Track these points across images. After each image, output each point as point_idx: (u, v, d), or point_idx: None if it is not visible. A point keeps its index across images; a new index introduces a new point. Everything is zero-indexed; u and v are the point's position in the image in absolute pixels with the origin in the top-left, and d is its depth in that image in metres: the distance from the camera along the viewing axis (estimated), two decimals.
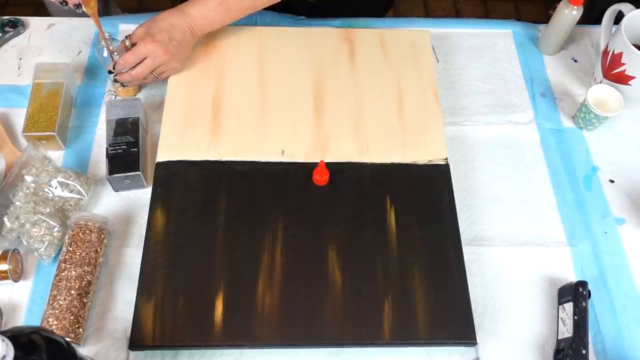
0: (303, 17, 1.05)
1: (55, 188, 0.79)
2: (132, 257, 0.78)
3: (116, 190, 0.83)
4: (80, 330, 0.71)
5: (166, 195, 0.79)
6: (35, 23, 1.02)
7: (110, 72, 0.86)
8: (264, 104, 0.88)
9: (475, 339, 0.71)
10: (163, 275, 0.73)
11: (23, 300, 0.75)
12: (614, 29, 0.94)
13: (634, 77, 0.89)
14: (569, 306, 0.74)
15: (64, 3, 0.79)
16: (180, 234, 0.76)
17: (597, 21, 0.99)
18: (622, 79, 0.90)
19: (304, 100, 0.88)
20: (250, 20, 0.95)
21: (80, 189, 0.80)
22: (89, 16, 0.82)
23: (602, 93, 0.91)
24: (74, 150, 0.87)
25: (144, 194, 0.83)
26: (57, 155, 0.87)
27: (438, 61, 1.01)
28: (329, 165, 0.80)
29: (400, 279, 0.74)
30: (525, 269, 0.80)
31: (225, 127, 0.85)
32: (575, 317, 0.72)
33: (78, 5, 0.79)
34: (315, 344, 0.71)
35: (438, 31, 1.04)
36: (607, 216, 0.85)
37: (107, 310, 0.75)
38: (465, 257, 0.76)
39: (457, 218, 0.79)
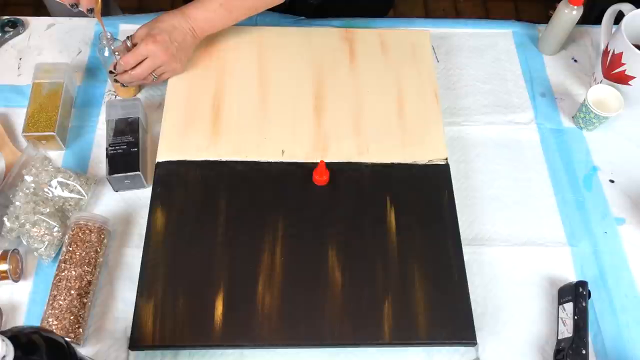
0: (303, 17, 1.05)
1: (55, 188, 0.79)
2: (132, 257, 0.78)
3: (116, 190, 0.83)
4: (80, 330, 0.71)
5: (166, 195, 0.79)
6: (35, 23, 1.02)
7: (111, 72, 0.86)
8: (264, 104, 0.88)
9: (475, 339, 0.71)
10: (163, 275, 0.73)
11: (23, 300, 0.75)
12: (614, 29, 0.94)
13: (634, 77, 0.89)
14: (569, 306, 0.74)
15: (75, 6, 0.78)
16: (180, 233, 0.76)
17: (597, 21, 0.99)
18: (622, 79, 0.90)
19: (304, 100, 0.88)
20: (251, 20, 0.96)
21: (80, 189, 0.80)
22: (88, 16, 0.82)
23: (602, 93, 0.91)
24: (74, 150, 0.87)
25: (144, 194, 0.83)
26: (57, 155, 0.87)
27: (438, 61, 1.01)
28: (329, 165, 0.80)
29: (400, 279, 0.74)
30: (525, 269, 0.80)
31: (225, 127, 0.85)
32: (575, 317, 0.72)
33: (90, 10, 0.78)
34: (315, 344, 0.71)
35: (438, 31, 1.04)
36: (607, 216, 0.85)
37: (107, 310, 0.75)
38: (465, 257, 0.76)
39: (457, 218, 0.79)
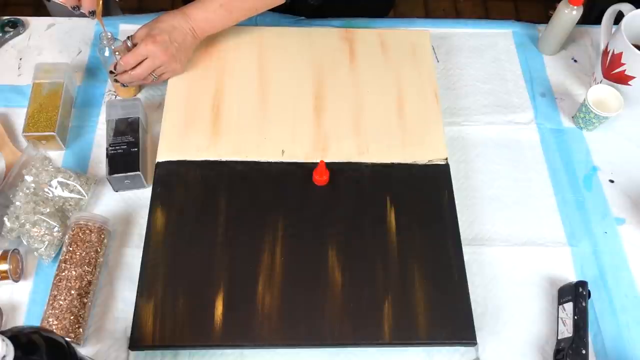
0: (303, 17, 1.05)
1: (55, 188, 0.79)
2: (132, 257, 0.78)
3: (116, 190, 0.83)
4: (80, 330, 0.71)
5: (166, 195, 0.79)
6: (35, 23, 1.02)
7: (111, 72, 0.86)
8: (264, 104, 0.88)
9: (475, 339, 0.71)
10: (163, 275, 0.73)
11: (23, 300, 0.75)
12: (614, 29, 0.94)
13: (634, 77, 0.89)
14: (569, 306, 0.74)
15: (76, 8, 0.78)
16: (180, 233, 0.76)
17: (597, 21, 0.99)
18: (622, 79, 0.90)
19: (304, 100, 0.88)
20: (251, 20, 0.96)
21: (80, 189, 0.80)
22: (89, 18, 0.82)
23: (602, 93, 0.91)
24: (74, 150, 0.87)
25: (144, 194, 0.83)
26: (57, 155, 0.87)
27: (438, 61, 1.01)
28: (329, 165, 0.80)
29: (400, 279, 0.74)
30: (525, 269, 0.80)
31: (225, 127, 0.85)
32: (575, 317, 0.72)
33: (92, 12, 0.79)
34: (315, 344, 0.71)
35: (438, 31, 1.04)
36: (607, 216, 0.85)
37: (107, 310, 0.75)
38: (465, 257, 0.76)
39: (457, 218, 0.79)
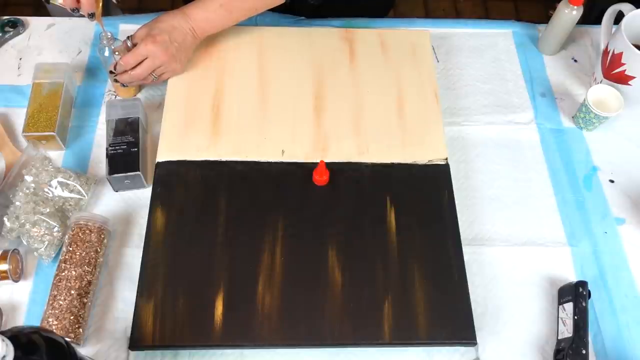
0: (303, 17, 1.05)
1: (55, 188, 0.79)
2: (132, 257, 0.78)
3: (116, 190, 0.83)
4: (80, 330, 0.71)
5: (166, 195, 0.79)
6: (35, 23, 1.02)
7: (111, 72, 0.86)
8: (264, 104, 0.88)
9: (475, 339, 0.71)
10: (163, 275, 0.73)
11: (23, 300, 0.75)
12: (614, 29, 0.94)
13: (634, 77, 0.89)
14: (569, 306, 0.74)
15: (76, 10, 0.78)
16: (180, 233, 0.76)
17: (597, 21, 0.99)
18: (622, 79, 0.90)
19: (304, 100, 0.88)
20: (251, 20, 0.96)
21: (80, 189, 0.80)
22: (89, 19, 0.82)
23: (602, 93, 0.91)
24: (74, 150, 0.87)
25: (144, 194, 0.83)
26: (57, 155, 0.87)
27: (438, 61, 1.01)
28: (329, 165, 0.80)
29: (400, 279, 0.74)
30: (525, 269, 0.80)
31: (226, 127, 0.85)
32: (575, 317, 0.72)
33: (92, 14, 0.79)
34: (315, 344, 0.71)
35: (438, 31, 1.04)
36: (607, 216, 0.85)
37: (107, 310, 0.75)
38: (465, 257, 0.76)
39: (457, 218, 0.79)
